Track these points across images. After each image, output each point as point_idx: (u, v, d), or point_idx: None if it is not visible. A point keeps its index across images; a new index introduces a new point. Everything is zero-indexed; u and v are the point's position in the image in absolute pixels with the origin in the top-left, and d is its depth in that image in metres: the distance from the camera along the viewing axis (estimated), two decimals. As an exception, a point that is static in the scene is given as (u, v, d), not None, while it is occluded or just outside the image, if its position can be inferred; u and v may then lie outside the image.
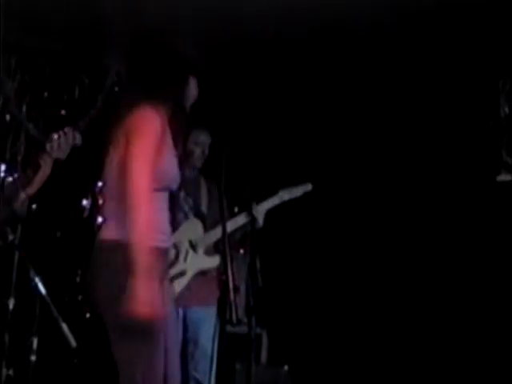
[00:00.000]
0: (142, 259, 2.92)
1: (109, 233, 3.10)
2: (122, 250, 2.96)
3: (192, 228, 4.60)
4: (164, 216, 3.20)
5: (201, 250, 4.56)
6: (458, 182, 5.30)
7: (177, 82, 3.27)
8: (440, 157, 5.41)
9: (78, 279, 5.48)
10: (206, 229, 4.64)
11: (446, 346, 5.24)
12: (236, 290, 3.42)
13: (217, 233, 4.49)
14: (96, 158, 3.38)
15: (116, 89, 5.45)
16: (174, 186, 3.26)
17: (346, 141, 5.77)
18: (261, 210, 4.63)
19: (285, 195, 4.73)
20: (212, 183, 4.66)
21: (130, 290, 2.87)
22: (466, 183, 5.26)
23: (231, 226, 4.50)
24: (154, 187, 3.05)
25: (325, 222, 5.81)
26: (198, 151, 4.61)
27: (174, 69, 3.24)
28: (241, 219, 4.60)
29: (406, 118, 5.47)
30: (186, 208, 4.65)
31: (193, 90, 3.30)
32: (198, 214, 4.66)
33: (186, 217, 4.61)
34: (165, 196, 3.21)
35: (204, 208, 4.71)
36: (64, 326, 3.77)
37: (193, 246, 4.56)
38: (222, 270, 3.53)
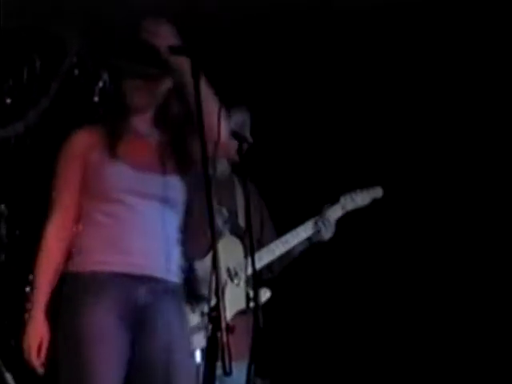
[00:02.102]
0: (36, 290, 2.67)
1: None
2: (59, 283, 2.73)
3: (229, 250, 3.49)
4: (108, 231, 2.71)
5: (242, 281, 3.50)
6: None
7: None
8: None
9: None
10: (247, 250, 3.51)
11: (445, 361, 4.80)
12: (230, 330, 2.49)
13: (263, 256, 3.59)
14: (48, 156, 2.97)
15: (76, 72, 4.34)
16: (119, 194, 2.73)
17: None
18: (337, 212, 3.77)
19: (348, 203, 3.83)
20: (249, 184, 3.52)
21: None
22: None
23: (293, 239, 3.68)
24: (83, 198, 2.74)
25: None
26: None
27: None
28: (307, 229, 3.72)
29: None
30: (220, 222, 3.56)
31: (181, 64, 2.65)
32: (236, 230, 3.61)
33: (220, 235, 3.50)
34: (108, 207, 2.73)
35: (241, 221, 3.64)
36: (8, 377, 3.34)
37: (231, 276, 3.52)
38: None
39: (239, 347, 2.90)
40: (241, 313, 3.41)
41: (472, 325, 4.72)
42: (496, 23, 4.20)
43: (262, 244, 3.63)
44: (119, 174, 2.74)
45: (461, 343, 4.73)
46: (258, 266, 3.42)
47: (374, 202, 3.91)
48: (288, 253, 3.72)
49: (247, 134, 3.61)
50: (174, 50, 2.63)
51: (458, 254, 4.77)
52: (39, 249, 2.73)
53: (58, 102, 4.34)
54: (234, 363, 2.90)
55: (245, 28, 4.31)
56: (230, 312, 3.13)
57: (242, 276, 3.51)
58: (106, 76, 4.28)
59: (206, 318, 3.21)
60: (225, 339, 2.41)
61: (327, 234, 3.74)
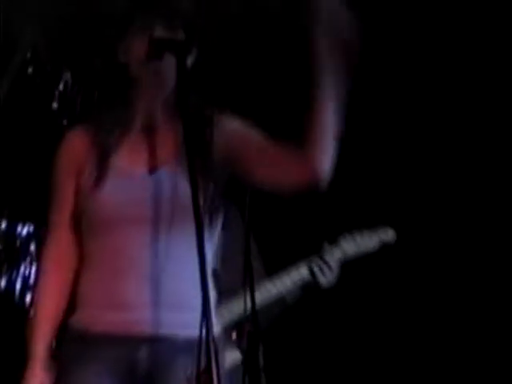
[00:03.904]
0: (32, 344, 2.21)
1: None
2: None
3: None
4: (101, 275, 2.18)
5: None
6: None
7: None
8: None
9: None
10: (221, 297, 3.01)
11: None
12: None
13: (240, 305, 2.93)
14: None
15: (29, 70, 3.44)
16: (113, 223, 2.16)
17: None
18: (336, 255, 3.19)
19: (349, 247, 3.24)
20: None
21: None
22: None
23: (286, 284, 3.13)
24: (79, 233, 2.22)
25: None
26: None
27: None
28: (303, 272, 3.16)
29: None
30: None
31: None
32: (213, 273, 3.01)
33: None
34: (100, 241, 2.18)
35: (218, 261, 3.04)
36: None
37: None
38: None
39: None
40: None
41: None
42: (496, 23, 3.93)
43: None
44: (114, 194, 2.19)
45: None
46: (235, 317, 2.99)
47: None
48: (276, 301, 3.17)
49: None
50: (155, 43, 2.15)
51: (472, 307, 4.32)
52: (37, 283, 2.31)
53: (9, 103, 3.44)
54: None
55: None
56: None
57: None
58: (68, 76, 3.41)
59: None
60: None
61: (325, 278, 3.18)
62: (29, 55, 3.42)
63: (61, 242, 2.25)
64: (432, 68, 4.14)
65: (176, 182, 2.16)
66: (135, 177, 2.19)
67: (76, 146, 2.27)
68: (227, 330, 3.00)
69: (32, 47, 3.41)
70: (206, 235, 2.08)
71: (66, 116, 3.54)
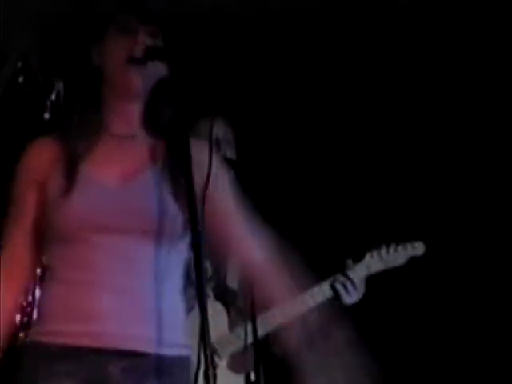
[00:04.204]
0: None
1: None
2: None
3: (212, 320, 2.66)
4: (68, 287, 2.06)
5: (224, 361, 2.90)
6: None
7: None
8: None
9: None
10: (233, 322, 2.97)
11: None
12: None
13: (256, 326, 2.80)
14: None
15: (20, 79, 3.35)
16: (82, 232, 2.04)
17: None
18: (361, 272, 3.08)
19: (375, 263, 3.12)
20: None
21: None
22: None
23: (308, 302, 2.95)
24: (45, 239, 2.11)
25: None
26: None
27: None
28: (325, 290, 3.05)
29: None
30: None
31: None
32: (223, 295, 2.99)
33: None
34: (68, 251, 2.07)
35: (232, 282, 3.02)
36: None
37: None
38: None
39: None
40: None
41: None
42: (496, 23, 3.86)
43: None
44: (82, 204, 2.07)
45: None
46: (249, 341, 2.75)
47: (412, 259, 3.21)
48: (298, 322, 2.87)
49: (232, 150, 3.10)
50: (150, 51, 2.08)
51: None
52: None
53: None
54: None
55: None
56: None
57: (224, 355, 2.93)
58: (60, 86, 3.31)
59: None
60: None
61: (349, 297, 3.07)
62: (19, 64, 3.35)
63: (15, 258, 2.15)
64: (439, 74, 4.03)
65: (148, 193, 2.07)
66: (106, 186, 2.10)
67: (41, 155, 2.17)
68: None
69: (23, 56, 3.33)
70: (173, 248, 2.06)
71: (59, 126, 3.45)
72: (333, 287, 3.05)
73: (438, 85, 4.06)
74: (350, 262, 3.12)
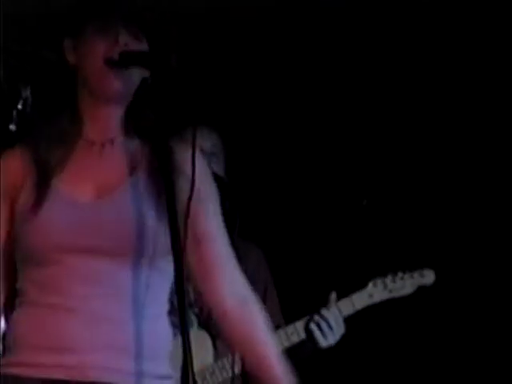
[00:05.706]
0: None
1: None
2: None
3: (196, 350, 2.62)
4: (39, 314, 1.96)
5: None
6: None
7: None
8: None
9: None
10: (218, 350, 2.84)
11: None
12: None
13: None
14: None
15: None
16: (55, 253, 1.93)
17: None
18: (339, 311, 2.90)
19: (377, 292, 2.95)
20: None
21: None
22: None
23: (282, 342, 2.80)
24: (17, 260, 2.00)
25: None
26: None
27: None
28: (300, 330, 2.89)
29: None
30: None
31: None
32: (208, 321, 2.83)
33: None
34: (40, 274, 1.95)
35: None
36: None
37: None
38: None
39: None
40: None
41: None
42: (496, 23, 3.83)
43: None
44: (53, 221, 1.95)
45: None
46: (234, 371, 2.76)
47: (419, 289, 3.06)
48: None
49: (219, 166, 2.98)
50: (125, 56, 1.94)
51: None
52: None
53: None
54: None
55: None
56: None
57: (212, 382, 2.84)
58: (27, 93, 3.00)
59: None
60: None
61: (324, 340, 2.89)
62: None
63: None
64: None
65: (125, 209, 1.95)
66: (78, 202, 1.97)
67: (11, 167, 2.03)
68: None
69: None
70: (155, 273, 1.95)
71: (27, 137, 3.17)
72: (306, 327, 2.87)
73: (438, 85, 4.02)
74: (333, 296, 2.93)
